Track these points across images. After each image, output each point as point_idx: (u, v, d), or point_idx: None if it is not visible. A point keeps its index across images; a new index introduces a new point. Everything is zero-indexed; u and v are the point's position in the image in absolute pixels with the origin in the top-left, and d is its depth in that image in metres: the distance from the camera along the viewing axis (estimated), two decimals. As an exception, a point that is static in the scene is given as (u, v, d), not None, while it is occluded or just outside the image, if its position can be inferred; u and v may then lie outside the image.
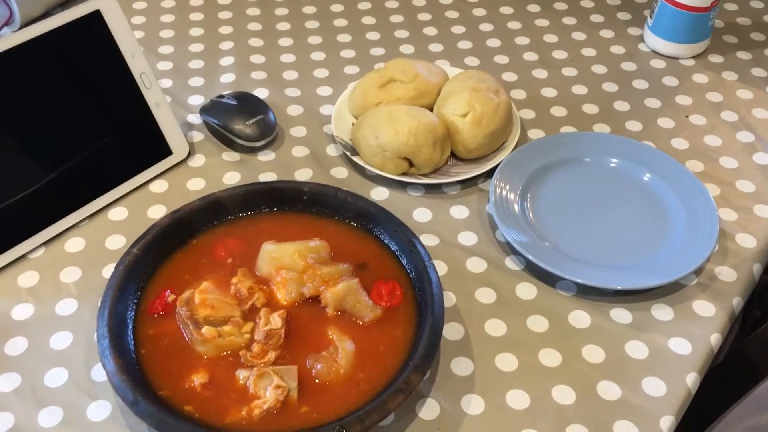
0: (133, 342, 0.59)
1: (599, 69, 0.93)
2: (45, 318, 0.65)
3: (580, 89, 0.90)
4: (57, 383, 0.61)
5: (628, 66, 0.93)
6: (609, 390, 0.60)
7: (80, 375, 0.61)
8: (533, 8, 1.03)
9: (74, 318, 0.65)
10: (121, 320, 0.60)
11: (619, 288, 0.66)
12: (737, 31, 0.99)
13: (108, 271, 0.69)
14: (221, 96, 0.83)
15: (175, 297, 0.62)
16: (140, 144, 0.77)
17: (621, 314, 0.66)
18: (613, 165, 0.78)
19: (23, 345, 0.63)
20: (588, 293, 0.67)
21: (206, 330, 0.59)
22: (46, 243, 0.71)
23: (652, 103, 0.88)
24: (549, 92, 0.89)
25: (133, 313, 0.61)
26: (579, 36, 0.98)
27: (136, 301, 0.62)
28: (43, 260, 0.70)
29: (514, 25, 1.00)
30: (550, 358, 0.63)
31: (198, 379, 0.57)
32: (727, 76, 0.92)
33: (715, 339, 0.64)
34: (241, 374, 0.57)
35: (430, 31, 0.99)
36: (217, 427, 0.54)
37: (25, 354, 0.63)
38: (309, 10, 1.02)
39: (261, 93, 0.88)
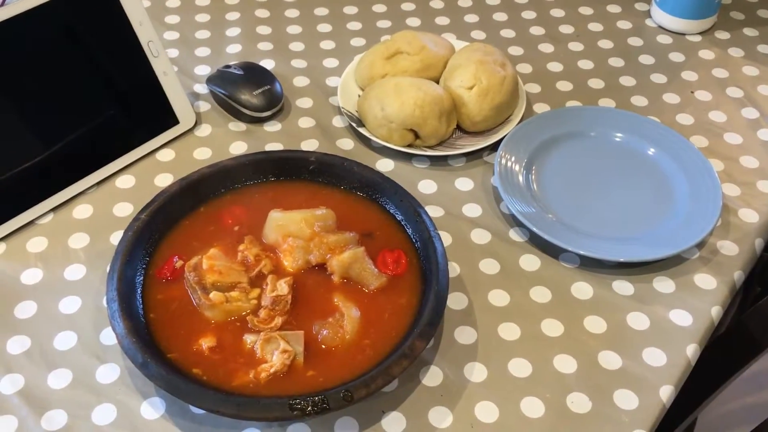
0: (141, 306, 0.60)
1: (606, 44, 0.93)
2: (54, 282, 0.66)
3: (586, 64, 0.90)
4: (66, 346, 0.62)
5: (635, 41, 0.93)
6: (610, 359, 0.61)
7: (89, 338, 0.62)
8: (540, -18, 1.03)
9: (83, 283, 0.66)
10: (130, 284, 0.60)
11: (621, 260, 0.67)
12: (744, 8, 0.99)
13: (116, 237, 0.69)
14: (228, 66, 0.83)
15: (182, 263, 0.62)
16: (147, 113, 0.78)
17: (623, 286, 0.67)
18: (618, 139, 0.79)
19: (32, 309, 0.64)
20: (591, 265, 0.68)
21: (214, 295, 0.59)
22: (54, 209, 0.72)
23: (658, 78, 0.88)
24: (555, 67, 0.89)
25: (141, 277, 0.62)
26: (586, 11, 0.98)
27: (144, 266, 0.63)
28: (52, 226, 0.71)
29: (521, -1, 1.00)
30: (552, 328, 0.63)
31: (206, 343, 0.57)
32: (733, 53, 0.92)
33: (715, 311, 0.65)
34: (249, 339, 0.58)
35: (437, 4, 0.99)
36: (225, 389, 0.55)
37: (35, 317, 0.64)
38: (316, -19, 1.02)
39: (267, 64, 0.88)
